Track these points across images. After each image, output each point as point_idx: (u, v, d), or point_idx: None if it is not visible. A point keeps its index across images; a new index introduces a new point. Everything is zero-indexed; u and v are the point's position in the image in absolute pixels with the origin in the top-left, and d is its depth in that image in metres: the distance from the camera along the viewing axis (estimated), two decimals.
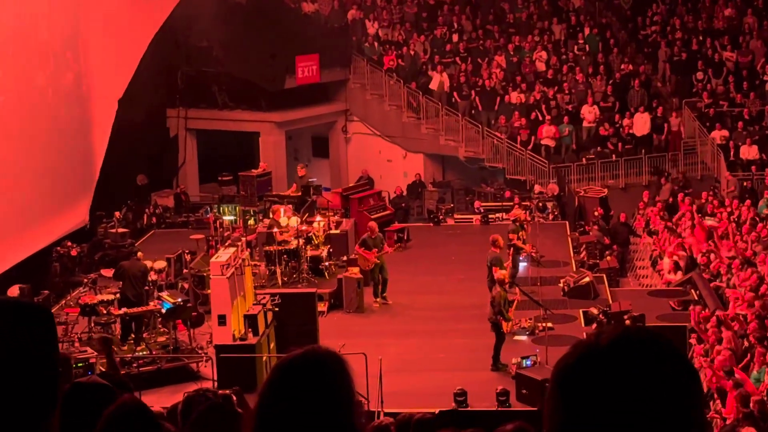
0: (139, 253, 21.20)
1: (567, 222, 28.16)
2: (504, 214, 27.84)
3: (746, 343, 17.66)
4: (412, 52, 34.20)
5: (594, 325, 19.56)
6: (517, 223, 22.75)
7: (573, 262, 24.77)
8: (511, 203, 28.46)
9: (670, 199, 28.00)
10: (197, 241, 24.18)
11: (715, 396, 16.18)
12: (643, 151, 30.63)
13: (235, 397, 9.54)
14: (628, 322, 18.77)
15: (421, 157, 33.24)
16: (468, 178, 32.62)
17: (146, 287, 19.90)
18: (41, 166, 24.41)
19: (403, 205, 30.92)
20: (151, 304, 19.41)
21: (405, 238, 26.43)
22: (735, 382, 15.63)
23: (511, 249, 22.19)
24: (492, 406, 16.71)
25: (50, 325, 2.37)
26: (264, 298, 19.04)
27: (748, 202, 25.91)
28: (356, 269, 22.31)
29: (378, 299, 22.25)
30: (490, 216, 28.48)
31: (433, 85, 32.88)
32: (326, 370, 2.43)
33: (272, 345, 18.59)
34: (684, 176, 29.61)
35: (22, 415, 2.21)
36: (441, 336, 20.17)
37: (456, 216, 29.63)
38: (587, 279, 22.28)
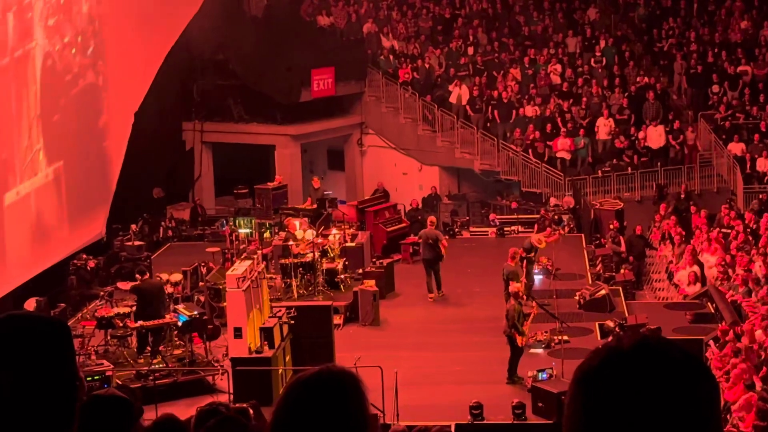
0: (146, 275, 20.30)
1: (583, 235, 28.11)
2: (519, 227, 27.90)
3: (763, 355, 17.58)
4: (427, 65, 34.23)
5: (610, 338, 19.47)
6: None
7: (589, 274, 24.76)
8: (537, 216, 28.37)
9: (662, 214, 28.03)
10: (213, 254, 24.21)
11: (732, 409, 16.10)
12: (659, 163, 30.56)
13: (251, 411, 9.55)
14: None
15: (436, 170, 33.23)
16: (483, 191, 32.58)
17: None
18: (58, 179, 24.47)
19: (419, 217, 30.85)
20: (167, 317, 19.41)
21: (420, 251, 26.38)
22: (753, 395, 15.55)
23: (525, 261, 22.21)
24: (508, 419, 16.68)
25: (67, 339, 2.38)
26: (280, 310, 19.04)
27: (766, 215, 25.74)
28: (372, 282, 22.30)
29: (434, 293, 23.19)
30: (505, 229, 28.47)
31: (452, 99, 32.88)
32: (340, 389, 2.44)
33: (288, 358, 18.60)
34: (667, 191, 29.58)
35: (40, 430, 2.22)
36: (457, 349, 20.15)
37: (471, 229, 29.62)
38: (603, 292, 22.22)
